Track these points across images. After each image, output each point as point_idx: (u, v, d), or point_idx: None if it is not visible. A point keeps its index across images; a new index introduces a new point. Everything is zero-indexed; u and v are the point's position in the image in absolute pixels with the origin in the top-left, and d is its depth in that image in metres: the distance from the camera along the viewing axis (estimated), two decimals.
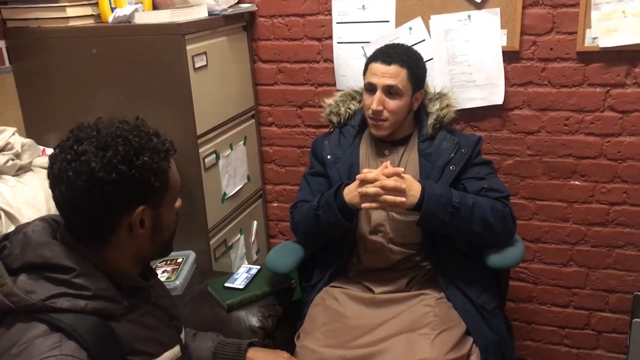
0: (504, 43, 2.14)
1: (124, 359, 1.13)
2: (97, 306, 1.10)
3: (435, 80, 2.22)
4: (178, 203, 1.27)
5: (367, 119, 1.90)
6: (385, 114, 1.83)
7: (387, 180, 1.69)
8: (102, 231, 1.14)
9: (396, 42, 2.22)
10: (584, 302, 2.36)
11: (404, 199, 1.69)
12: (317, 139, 2.06)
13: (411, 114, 1.91)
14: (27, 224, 1.18)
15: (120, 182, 1.09)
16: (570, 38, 2.08)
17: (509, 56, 2.15)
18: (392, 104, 1.82)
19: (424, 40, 2.21)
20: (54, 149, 1.15)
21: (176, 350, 1.28)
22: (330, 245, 1.94)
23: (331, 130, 2.06)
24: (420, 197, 1.70)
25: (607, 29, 2.00)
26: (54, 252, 1.11)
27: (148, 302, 1.26)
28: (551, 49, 2.11)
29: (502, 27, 2.12)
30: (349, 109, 2.02)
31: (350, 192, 1.76)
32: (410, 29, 2.21)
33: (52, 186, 1.12)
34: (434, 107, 1.92)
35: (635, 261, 2.24)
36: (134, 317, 1.18)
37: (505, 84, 2.18)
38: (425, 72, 1.92)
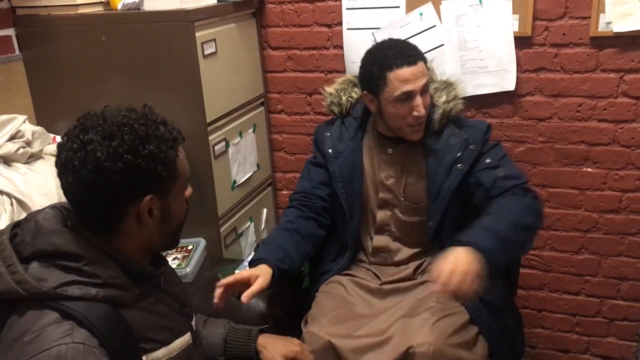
0: (516, 28, 2.11)
1: (135, 347, 1.14)
2: (108, 294, 1.10)
3: (446, 67, 2.20)
4: (188, 192, 1.26)
5: (401, 129, 1.75)
6: (426, 113, 1.72)
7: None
8: (110, 220, 1.14)
9: (406, 28, 2.21)
10: (596, 290, 2.35)
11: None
12: (319, 128, 1.98)
13: None
14: (39, 211, 1.18)
15: (126, 172, 1.08)
16: (583, 23, 2.05)
17: (520, 42, 2.13)
18: (426, 101, 1.72)
19: (434, 26, 2.19)
20: (62, 137, 1.15)
21: (187, 337, 1.29)
22: (336, 241, 1.93)
23: (333, 118, 1.96)
24: (480, 254, 1.49)
25: (621, 13, 1.97)
26: (65, 239, 1.11)
27: (159, 290, 1.26)
28: (564, 34, 2.08)
29: (513, 12, 2.09)
30: (351, 97, 1.91)
31: None
32: (421, 14, 2.19)
33: (60, 175, 1.13)
34: (440, 100, 1.79)
35: None
36: (144, 304, 1.19)
37: (517, 70, 2.15)
38: None
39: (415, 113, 1.69)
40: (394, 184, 1.83)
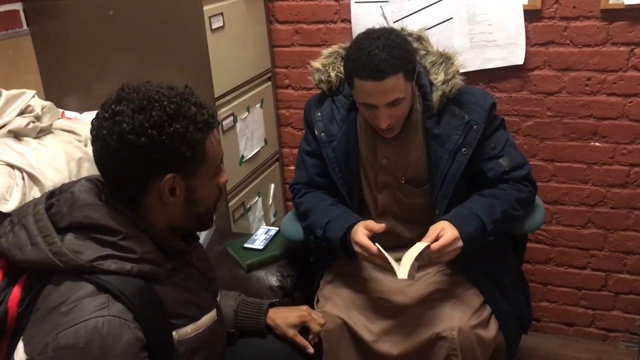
0: (526, 1, 2.09)
1: (166, 322, 1.15)
2: (143, 269, 1.12)
3: (454, 40, 2.18)
4: (223, 178, 1.25)
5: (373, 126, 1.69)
6: (394, 121, 1.62)
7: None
8: (134, 193, 1.14)
9: (414, 1, 2.17)
10: (602, 264, 2.36)
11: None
12: (308, 106, 1.81)
13: None
14: (74, 182, 1.20)
15: (149, 147, 1.08)
16: None
17: (530, 15, 2.11)
18: (399, 110, 1.60)
19: None
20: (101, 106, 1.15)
21: (213, 313, 1.30)
22: None
23: (322, 95, 1.81)
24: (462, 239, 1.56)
25: None
26: (101, 213, 1.12)
27: (189, 266, 1.27)
28: (574, 7, 2.06)
29: None
30: (340, 73, 1.73)
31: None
32: None
33: (92, 142, 1.14)
34: (437, 78, 1.65)
35: None
36: (176, 280, 1.20)
37: (526, 44, 2.14)
38: (414, 50, 1.67)
39: (380, 125, 1.61)
40: (392, 165, 1.75)
